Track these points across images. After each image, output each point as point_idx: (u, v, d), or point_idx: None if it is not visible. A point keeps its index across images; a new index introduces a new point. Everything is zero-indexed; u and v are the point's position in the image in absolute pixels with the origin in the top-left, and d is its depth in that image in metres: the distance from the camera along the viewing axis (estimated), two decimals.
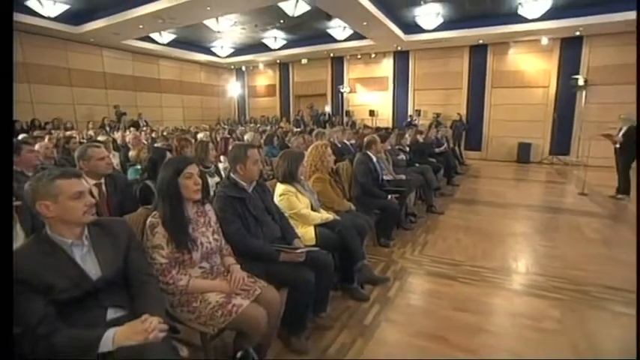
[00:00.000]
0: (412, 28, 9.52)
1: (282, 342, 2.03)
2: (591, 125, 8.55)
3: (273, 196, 2.37)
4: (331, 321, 2.28)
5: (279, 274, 1.93)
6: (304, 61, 13.01)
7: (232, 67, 14.96)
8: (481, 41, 10.13)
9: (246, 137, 5.85)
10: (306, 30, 10.30)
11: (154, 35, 10.14)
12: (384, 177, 3.97)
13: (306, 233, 2.41)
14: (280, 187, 2.51)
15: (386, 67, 12.14)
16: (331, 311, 2.33)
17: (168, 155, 2.71)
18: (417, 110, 11.51)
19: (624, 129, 5.48)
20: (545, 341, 2.12)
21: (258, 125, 11.38)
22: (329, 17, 8.77)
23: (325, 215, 2.57)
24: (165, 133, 7.72)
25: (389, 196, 3.65)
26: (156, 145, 5.03)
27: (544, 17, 7.97)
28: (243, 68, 15.09)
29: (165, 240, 1.58)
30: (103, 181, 2.20)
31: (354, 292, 2.57)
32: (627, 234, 4.10)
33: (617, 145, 5.58)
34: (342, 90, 12.56)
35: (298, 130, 8.75)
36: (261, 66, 14.49)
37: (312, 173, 2.88)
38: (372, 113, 11.80)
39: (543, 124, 10.06)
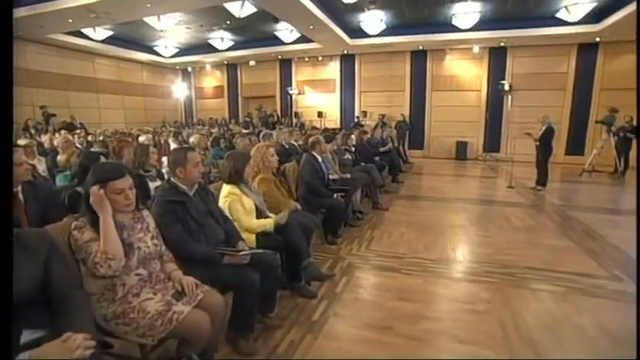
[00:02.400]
0: (357, 32, 9.86)
1: (231, 345, 2.00)
2: (516, 126, 9.56)
3: (216, 199, 2.32)
4: (280, 320, 2.29)
5: (224, 278, 1.90)
6: (252, 62, 12.82)
7: (177, 67, 14.34)
8: (421, 47, 10.82)
9: (191, 140, 5.62)
10: (254, 32, 10.20)
11: (88, 31, 9.32)
12: (330, 176, 4.06)
13: (251, 235, 2.40)
14: (225, 189, 2.46)
15: (333, 70, 12.41)
16: (280, 310, 2.34)
17: (102, 160, 2.53)
18: (363, 111, 11.94)
19: (543, 129, 6.20)
20: (478, 322, 2.32)
21: (207, 127, 10.99)
22: (276, 20, 8.75)
23: (265, 222, 2.51)
24: (102, 138, 7.09)
25: (335, 195, 3.75)
26: (92, 149, 4.63)
27: (474, 28, 8.79)
28: (190, 69, 14.51)
29: (96, 235, 1.48)
30: (20, 188, 1.97)
31: (302, 289, 2.61)
32: (545, 221, 4.68)
33: (537, 143, 6.29)
34: (290, 92, 12.62)
35: (247, 131, 8.61)
36: (208, 67, 14.05)
37: (256, 174, 2.86)
38: (320, 114, 11.97)
39: (477, 124, 11.02)
